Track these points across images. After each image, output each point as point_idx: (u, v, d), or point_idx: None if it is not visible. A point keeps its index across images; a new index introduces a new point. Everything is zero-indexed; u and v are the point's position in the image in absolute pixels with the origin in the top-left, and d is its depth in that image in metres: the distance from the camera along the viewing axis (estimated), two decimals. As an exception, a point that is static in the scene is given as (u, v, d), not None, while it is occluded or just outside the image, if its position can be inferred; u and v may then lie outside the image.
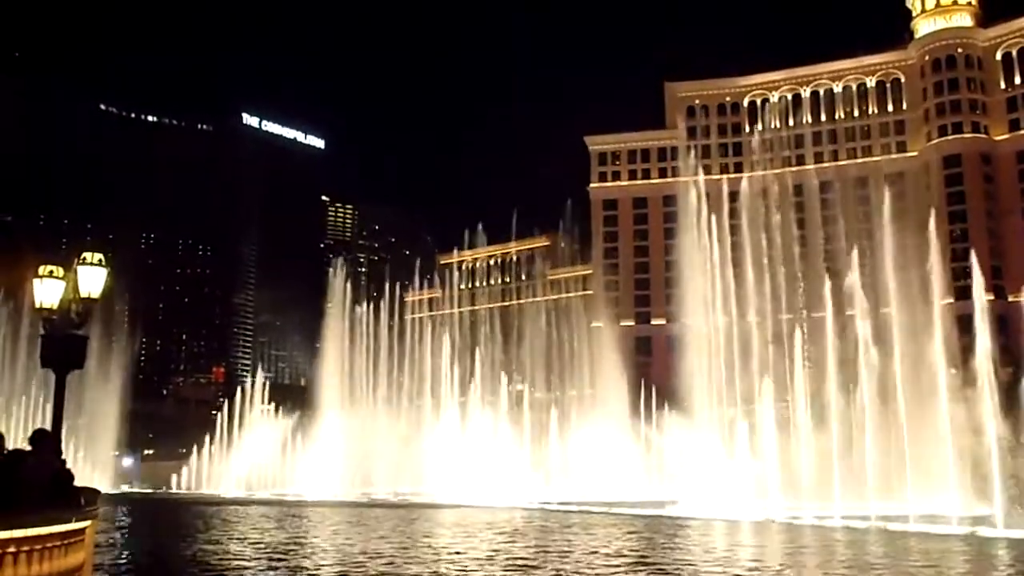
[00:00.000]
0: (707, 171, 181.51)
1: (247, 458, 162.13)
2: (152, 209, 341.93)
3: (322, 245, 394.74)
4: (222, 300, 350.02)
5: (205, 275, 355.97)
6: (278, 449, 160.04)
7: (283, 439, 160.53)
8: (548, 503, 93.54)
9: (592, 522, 66.40)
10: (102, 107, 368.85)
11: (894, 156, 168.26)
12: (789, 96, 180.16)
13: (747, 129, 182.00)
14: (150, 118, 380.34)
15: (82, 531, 15.82)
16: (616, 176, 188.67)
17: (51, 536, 14.06)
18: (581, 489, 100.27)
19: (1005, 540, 50.24)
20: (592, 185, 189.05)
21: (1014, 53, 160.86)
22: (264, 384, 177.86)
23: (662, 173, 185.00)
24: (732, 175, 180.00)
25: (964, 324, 75.38)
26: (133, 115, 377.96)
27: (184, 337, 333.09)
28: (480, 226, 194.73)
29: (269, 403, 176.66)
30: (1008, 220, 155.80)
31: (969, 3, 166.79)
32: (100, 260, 22.31)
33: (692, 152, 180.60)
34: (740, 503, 75.37)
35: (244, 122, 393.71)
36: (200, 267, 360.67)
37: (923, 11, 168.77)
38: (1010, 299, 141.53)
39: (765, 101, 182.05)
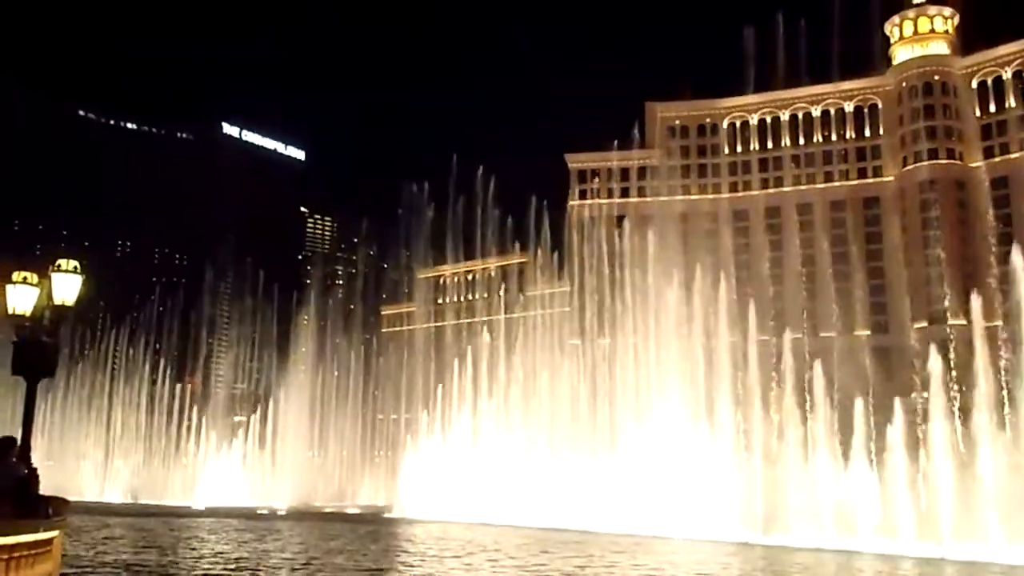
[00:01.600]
0: (687, 192, 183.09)
1: (216, 470, 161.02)
2: (129, 217, 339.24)
3: (300, 257, 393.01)
4: (198, 310, 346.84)
5: (181, 284, 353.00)
6: (244, 462, 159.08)
7: (249, 452, 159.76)
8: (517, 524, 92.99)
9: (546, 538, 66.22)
10: (81, 112, 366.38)
11: (870, 180, 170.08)
12: (768, 119, 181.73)
13: (726, 150, 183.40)
14: (130, 125, 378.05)
15: (49, 541, 15.62)
16: (596, 194, 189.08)
17: (18, 546, 13.87)
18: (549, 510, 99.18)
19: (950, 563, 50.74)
20: (571, 202, 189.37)
21: (989, 82, 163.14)
22: (237, 395, 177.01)
23: (641, 192, 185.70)
24: (711, 196, 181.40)
25: (938, 348, 76.35)
26: (113, 121, 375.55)
27: (158, 347, 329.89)
28: (460, 241, 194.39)
29: (241, 414, 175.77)
30: (982, 246, 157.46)
31: (946, 32, 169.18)
32: (75, 267, 22.11)
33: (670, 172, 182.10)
34: (703, 523, 75.58)
35: (224, 131, 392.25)
36: (176, 276, 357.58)
37: (901, 38, 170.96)
38: (986, 325, 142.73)
39: (745, 123, 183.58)
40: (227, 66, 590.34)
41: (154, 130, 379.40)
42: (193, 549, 52.74)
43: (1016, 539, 57.49)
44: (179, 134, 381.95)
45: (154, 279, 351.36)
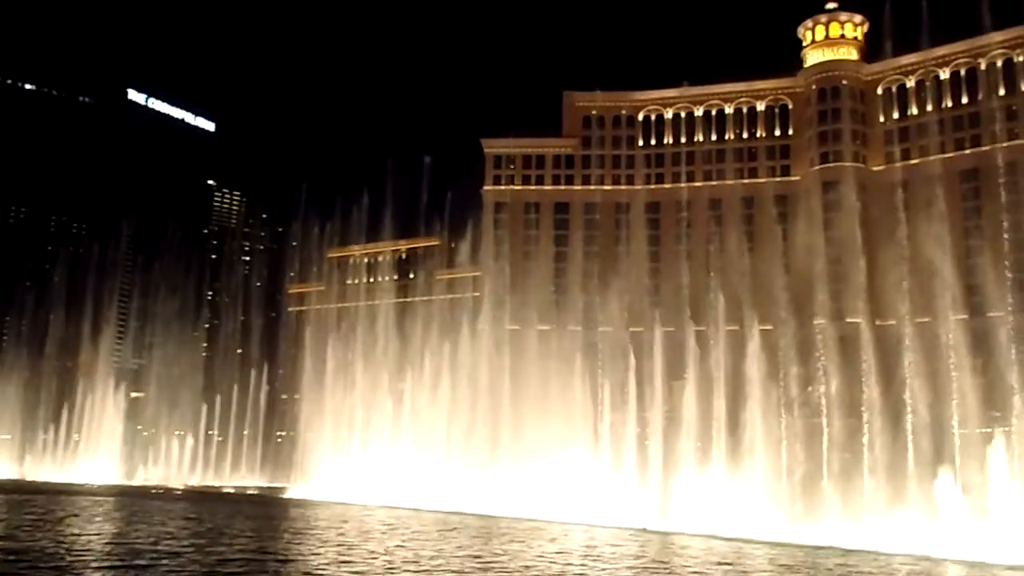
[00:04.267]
0: (600, 182, 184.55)
1: (112, 446, 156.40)
2: (24, 182, 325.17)
3: (206, 231, 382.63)
4: (96, 281, 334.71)
5: (78, 254, 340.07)
6: (143, 439, 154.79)
7: (148, 429, 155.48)
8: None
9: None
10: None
11: (779, 179, 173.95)
12: (683, 114, 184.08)
13: (641, 142, 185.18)
14: (27, 86, 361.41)
15: None
16: (510, 180, 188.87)
17: None
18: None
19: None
20: (486, 187, 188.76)
21: (894, 89, 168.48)
22: (135, 371, 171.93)
23: (555, 180, 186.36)
24: (624, 187, 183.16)
25: (840, 345, 78.69)
26: (9, 81, 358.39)
27: (51, 318, 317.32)
28: (372, 222, 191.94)
29: (139, 390, 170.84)
30: (882, 247, 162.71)
31: (856, 38, 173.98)
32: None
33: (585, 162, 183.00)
34: (603, 509, 76.24)
35: (130, 98, 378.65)
36: (74, 245, 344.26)
37: (812, 42, 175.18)
38: (877, 323, 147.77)
39: (660, 117, 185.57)
40: (136, 30, 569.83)
41: (54, 92, 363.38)
42: (75, 528, 50.54)
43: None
44: (81, 98, 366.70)
45: (49, 247, 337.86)
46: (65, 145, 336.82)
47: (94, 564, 34.02)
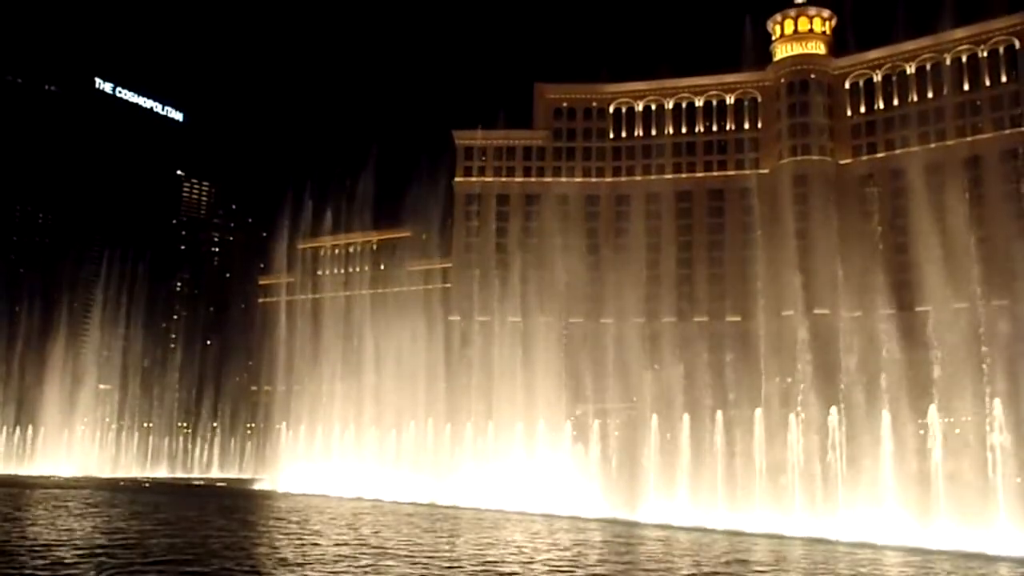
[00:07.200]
0: (570, 174, 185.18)
1: (81, 439, 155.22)
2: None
3: (175, 221, 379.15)
4: (63, 272, 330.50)
5: (44, 244, 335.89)
6: (110, 431, 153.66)
7: (115, 421, 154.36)
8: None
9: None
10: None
11: (748, 172, 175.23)
12: (653, 106, 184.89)
13: (612, 135, 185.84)
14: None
15: None
16: (481, 172, 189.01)
17: None
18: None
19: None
20: (457, 179, 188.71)
21: (861, 83, 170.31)
22: (104, 363, 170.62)
23: (526, 172, 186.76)
24: (594, 179, 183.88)
25: (801, 336, 79.62)
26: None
27: (17, 310, 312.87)
28: (343, 214, 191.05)
29: (107, 383, 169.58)
30: (850, 239, 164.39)
31: (824, 32, 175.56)
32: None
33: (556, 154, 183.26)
34: (571, 500, 76.77)
35: (97, 87, 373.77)
36: (39, 236, 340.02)
37: (781, 36, 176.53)
38: (845, 315, 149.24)
39: (631, 109, 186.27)
40: (103, 18, 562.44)
41: (19, 80, 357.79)
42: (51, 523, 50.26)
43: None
44: (47, 87, 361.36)
45: (15, 238, 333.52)
46: (31, 135, 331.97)
47: (44, 555, 33.94)
